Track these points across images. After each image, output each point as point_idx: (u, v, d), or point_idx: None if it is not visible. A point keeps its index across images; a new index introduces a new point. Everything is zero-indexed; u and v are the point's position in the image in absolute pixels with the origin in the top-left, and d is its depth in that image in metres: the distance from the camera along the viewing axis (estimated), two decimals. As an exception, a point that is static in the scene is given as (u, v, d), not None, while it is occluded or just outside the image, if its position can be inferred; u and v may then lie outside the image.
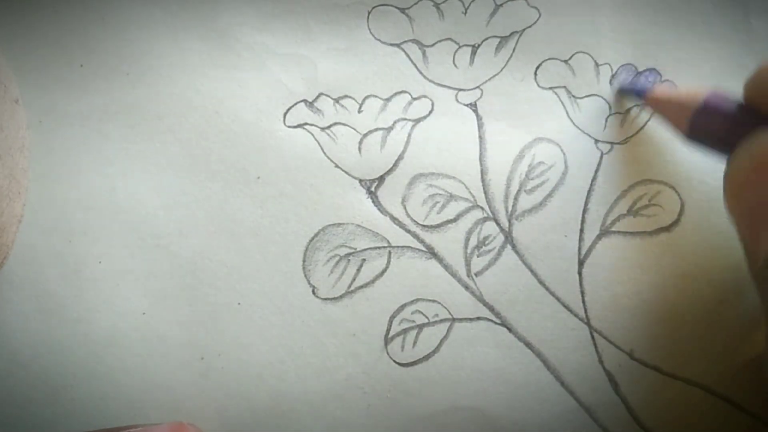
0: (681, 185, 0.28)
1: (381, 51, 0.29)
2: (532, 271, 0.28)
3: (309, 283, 0.28)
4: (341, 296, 0.28)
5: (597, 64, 0.29)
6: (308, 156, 0.28)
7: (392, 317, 0.28)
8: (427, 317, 0.28)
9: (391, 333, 0.28)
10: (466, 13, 0.29)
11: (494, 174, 0.28)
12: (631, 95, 0.28)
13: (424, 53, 0.29)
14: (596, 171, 0.28)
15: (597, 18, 0.29)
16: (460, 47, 0.29)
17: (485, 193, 0.28)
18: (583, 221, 0.28)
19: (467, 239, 0.28)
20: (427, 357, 0.28)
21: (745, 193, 0.21)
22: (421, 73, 0.29)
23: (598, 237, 0.28)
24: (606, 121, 0.29)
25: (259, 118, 0.28)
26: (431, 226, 0.28)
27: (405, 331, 0.28)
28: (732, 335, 0.28)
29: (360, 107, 0.28)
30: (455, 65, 0.29)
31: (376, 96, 0.29)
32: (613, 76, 0.29)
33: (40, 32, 0.28)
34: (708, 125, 0.24)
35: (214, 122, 0.28)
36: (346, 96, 0.29)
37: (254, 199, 0.28)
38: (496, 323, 0.28)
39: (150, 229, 0.28)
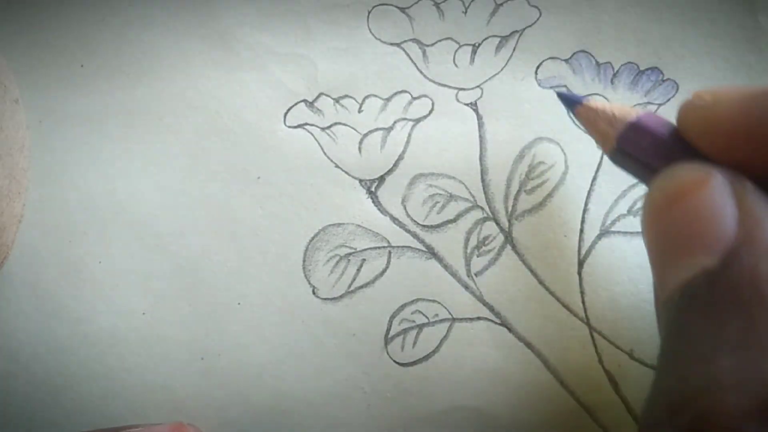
0: (682, 185, 0.28)
1: (381, 50, 0.29)
2: (532, 271, 0.28)
3: (309, 283, 0.28)
4: (341, 296, 0.28)
5: (598, 63, 0.29)
6: (308, 156, 0.28)
7: (392, 317, 0.28)
8: (427, 317, 0.28)
9: (391, 333, 0.28)
10: (466, 12, 0.29)
11: (494, 174, 0.28)
12: (565, 104, 0.27)
13: (424, 53, 0.29)
14: (596, 171, 0.28)
15: (599, 16, 0.29)
16: (460, 47, 0.29)
17: (485, 193, 0.28)
18: (583, 221, 0.28)
19: (467, 239, 0.28)
20: (427, 357, 0.28)
21: (659, 224, 0.20)
22: (421, 72, 0.29)
23: (598, 237, 0.28)
24: (607, 120, 0.28)
25: (260, 118, 0.28)
26: (431, 226, 0.28)
27: (405, 331, 0.28)
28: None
29: (360, 107, 0.28)
30: (455, 65, 0.29)
31: (376, 96, 0.28)
32: (614, 75, 0.29)
33: (40, 32, 0.28)
34: (636, 142, 0.23)
35: (214, 122, 0.28)
36: (346, 96, 0.28)
37: (254, 199, 0.28)
38: (496, 323, 0.28)
39: (150, 229, 0.28)
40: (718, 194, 0.18)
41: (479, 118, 0.29)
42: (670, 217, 0.19)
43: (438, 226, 0.28)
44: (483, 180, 0.28)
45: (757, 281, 0.17)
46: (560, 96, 0.27)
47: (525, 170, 0.28)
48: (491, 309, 0.28)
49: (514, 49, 0.29)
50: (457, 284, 0.28)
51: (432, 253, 0.28)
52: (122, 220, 0.28)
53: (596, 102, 0.25)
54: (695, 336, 0.17)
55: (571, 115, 0.28)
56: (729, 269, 0.17)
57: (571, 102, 0.26)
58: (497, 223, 0.28)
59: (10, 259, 0.27)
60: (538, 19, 0.29)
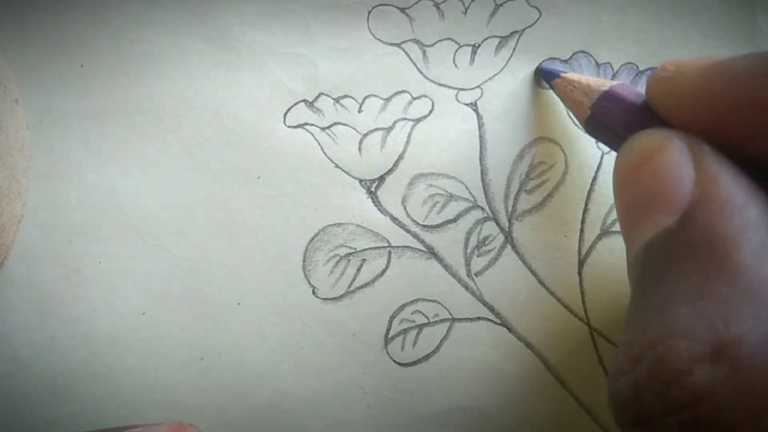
0: (682, 185, 0.28)
1: (381, 51, 0.29)
2: (532, 271, 0.28)
3: (309, 283, 0.28)
4: (341, 296, 0.28)
5: (597, 64, 0.29)
6: (308, 156, 0.28)
7: (392, 317, 0.28)
8: (427, 317, 0.28)
9: (391, 333, 0.28)
10: (466, 12, 0.29)
11: (494, 174, 0.28)
12: (544, 77, 0.28)
13: (424, 53, 0.29)
14: (597, 171, 0.28)
15: (598, 16, 0.29)
16: (460, 47, 0.29)
17: (485, 193, 0.28)
18: (583, 221, 0.28)
19: (467, 239, 0.28)
20: (427, 357, 0.28)
21: (625, 188, 0.21)
22: (421, 72, 0.29)
23: (599, 237, 0.28)
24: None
25: (259, 118, 0.28)
26: (431, 226, 0.28)
27: (405, 331, 0.28)
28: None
29: (360, 107, 0.28)
30: (455, 65, 0.29)
31: (376, 96, 0.28)
32: (614, 75, 0.29)
33: (40, 32, 0.28)
34: (609, 111, 0.24)
35: (214, 122, 0.28)
36: (346, 96, 0.28)
37: (254, 199, 0.28)
38: (496, 323, 0.28)
39: (150, 229, 0.28)
40: (676, 157, 0.19)
41: (479, 118, 0.29)
42: (633, 181, 0.20)
43: (438, 226, 0.28)
44: (483, 180, 0.28)
45: (710, 237, 0.18)
46: (539, 70, 0.28)
47: (525, 170, 0.28)
48: (491, 309, 0.28)
49: (513, 50, 0.29)
50: (457, 284, 0.28)
51: (432, 253, 0.28)
52: (122, 220, 0.28)
53: (573, 74, 0.26)
54: (654, 290, 0.18)
55: (551, 89, 0.28)
56: (686, 227, 0.18)
57: (549, 75, 0.27)
58: (497, 223, 0.28)
59: (10, 259, 0.27)
60: (538, 19, 0.29)
